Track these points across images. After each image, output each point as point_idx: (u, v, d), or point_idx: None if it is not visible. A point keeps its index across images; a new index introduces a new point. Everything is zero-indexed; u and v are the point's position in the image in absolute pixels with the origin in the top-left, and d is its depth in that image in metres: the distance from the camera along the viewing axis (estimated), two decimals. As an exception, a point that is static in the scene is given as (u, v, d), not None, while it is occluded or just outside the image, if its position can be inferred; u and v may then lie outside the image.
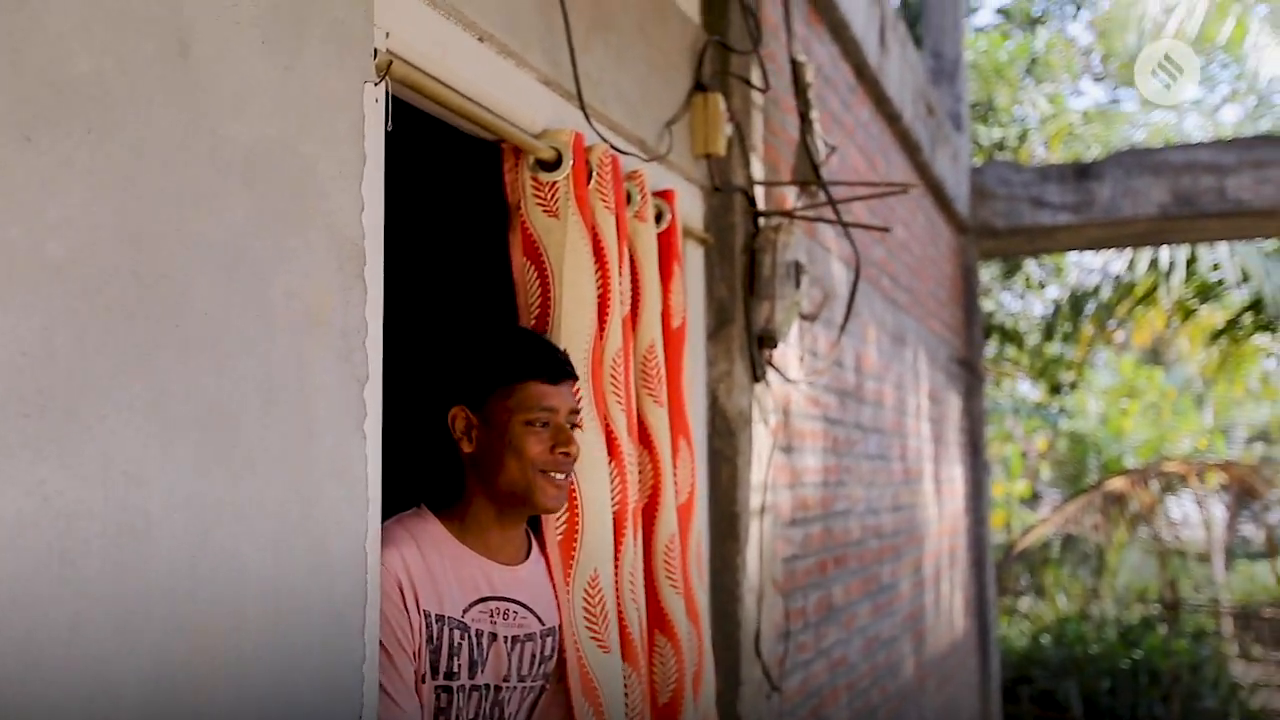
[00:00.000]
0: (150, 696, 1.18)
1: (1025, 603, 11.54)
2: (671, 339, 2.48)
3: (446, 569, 1.79)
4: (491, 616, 1.82)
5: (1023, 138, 11.61)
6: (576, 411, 1.89)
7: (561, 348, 2.00)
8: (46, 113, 1.10)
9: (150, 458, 1.19)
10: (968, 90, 7.81)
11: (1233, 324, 10.36)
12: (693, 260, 2.87)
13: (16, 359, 1.06)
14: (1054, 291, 12.16)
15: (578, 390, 1.98)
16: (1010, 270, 11.68)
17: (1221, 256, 9.18)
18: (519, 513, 1.87)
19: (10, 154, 1.07)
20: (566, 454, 1.82)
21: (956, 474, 6.67)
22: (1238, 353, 11.24)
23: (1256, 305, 9.63)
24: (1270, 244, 9.53)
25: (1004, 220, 7.06)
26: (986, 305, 11.52)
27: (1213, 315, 11.65)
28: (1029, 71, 12.20)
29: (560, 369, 1.86)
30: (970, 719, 6.67)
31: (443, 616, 1.76)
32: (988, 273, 11.51)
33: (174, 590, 1.21)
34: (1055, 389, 12.97)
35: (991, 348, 12.28)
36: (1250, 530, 13.40)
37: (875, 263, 4.72)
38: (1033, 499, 14.66)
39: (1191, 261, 9.35)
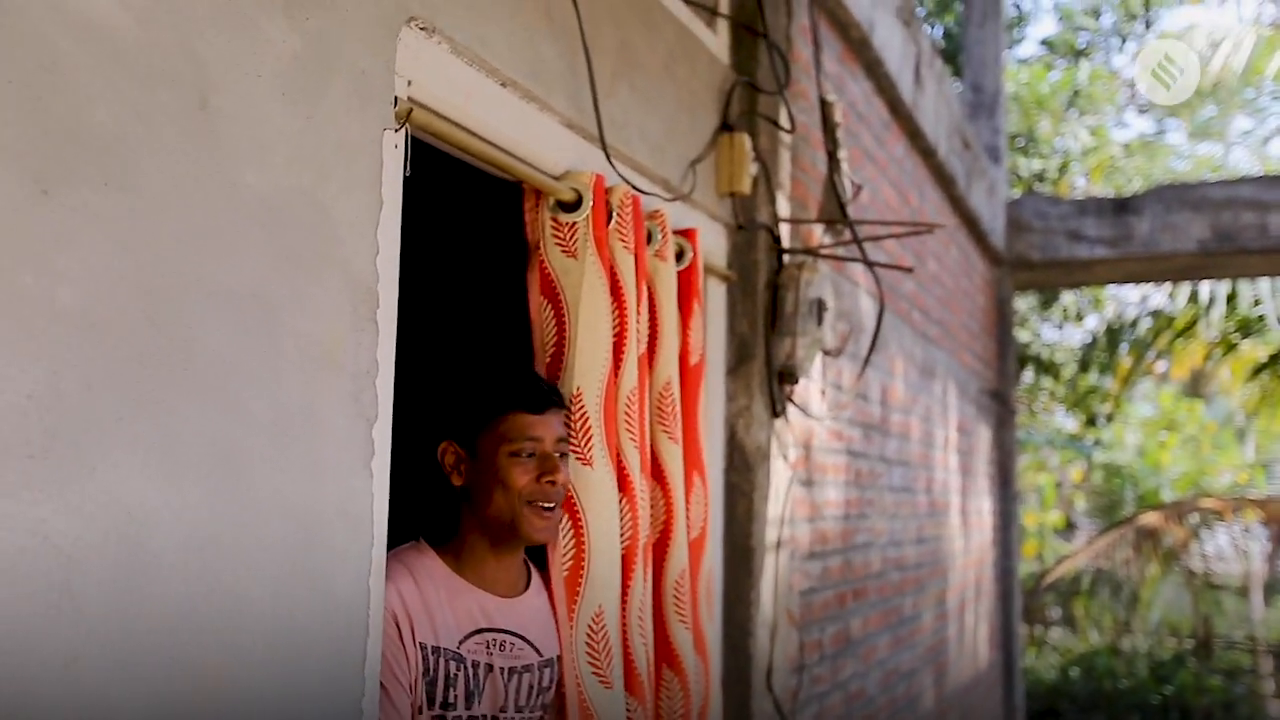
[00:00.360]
0: (148, 731, 1.22)
1: (1055, 634, 11.41)
2: (689, 375, 2.50)
3: (443, 601, 1.82)
4: (488, 648, 1.85)
5: (1063, 169, 11.53)
6: (565, 440, 1.91)
7: (575, 386, 2.03)
8: (64, 164, 1.15)
9: (156, 497, 1.23)
10: (1006, 123, 7.78)
11: (1275, 359, 10.20)
12: (715, 296, 2.89)
13: (22, 402, 1.10)
14: (1093, 322, 12.05)
15: (581, 420, 2.00)
16: (1048, 301, 11.59)
17: (1263, 292, 9.06)
18: (512, 544, 1.89)
19: (26, 205, 1.11)
20: (553, 482, 1.84)
21: (985, 506, 6.63)
22: (1280, 388, 11.05)
23: (1300, 342, 9.50)
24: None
25: (1040, 253, 7.01)
26: (1023, 336, 11.43)
27: (1254, 350, 11.48)
28: (1072, 103, 12.12)
29: (544, 399, 1.89)
30: (992, 754, 6.61)
31: (439, 648, 1.79)
32: (1025, 303, 11.43)
33: (174, 627, 1.25)
34: (1091, 420, 12.84)
35: (1028, 377, 12.18)
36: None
37: (905, 296, 4.71)
38: (1067, 529, 14.50)
39: (1232, 296, 9.23)
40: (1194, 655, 10.00)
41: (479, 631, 1.85)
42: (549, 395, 1.91)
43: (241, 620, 1.33)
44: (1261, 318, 9.41)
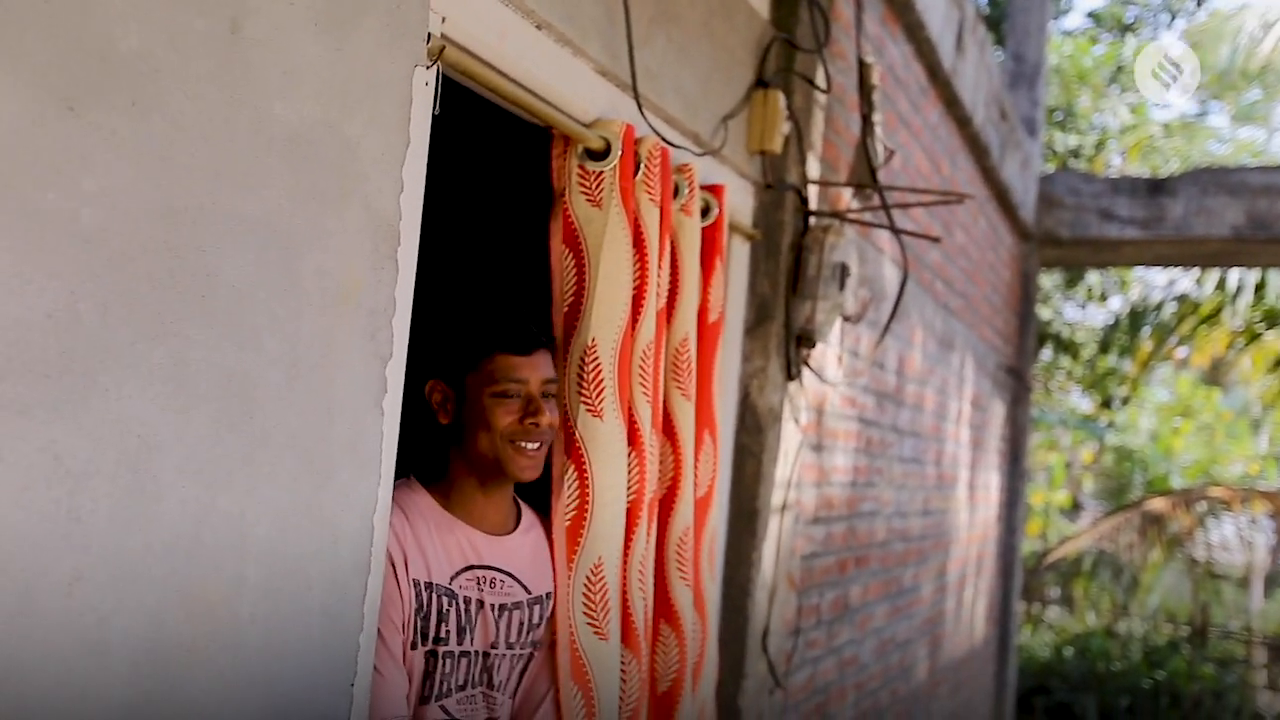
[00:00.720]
0: (145, 652, 1.22)
1: (1053, 613, 11.46)
2: (706, 333, 2.49)
3: (433, 538, 1.84)
4: (479, 584, 1.87)
5: (1100, 146, 11.36)
6: (552, 380, 1.91)
7: (591, 336, 2.02)
8: (92, 84, 1.13)
9: (166, 424, 1.23)
10: (1045, 96, 7.65)
11: (1298, 352, 10.14)
12: (738, 255, 2.87)
13: (41, 321, 1.10)
14: (1116, 303, 11.96)
15: (594, 371, 1.99)
16: (1073, 280, 11.49)
17: (1292, 284, 8.97)
18: (500, 483, 1.90)
19: (52, 123, 1.10)
20: (536, 424, 1.84)
21: (993, 481, 6.62)
22: (1301, 381, 10.99)
23: (1325, 336, 9.42)
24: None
25: (1070, 230, 6.93)
26: (1045, 313, 11.34)
27: (1277, 342, 11.39)
28: (1114, 79, 11.91)
29: (531, 340, 1.89)
30: (980, 725, 6.66)
31: (431, 584, 1.81)
32: (1050, 280, 11.32)
33: (176, 552, 1.25)
34: (1106, 402, 12.78)
35: (1046, 355, 12.11)
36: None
37: (929, 266, 4.67)
38: (1074, 509, 14.51)
39: (1261, 286, 9.13)
40: (1189, 642, 10.03)
41: (469, 568, 1.87)
42: (536, 336, 1.91)
43: (243, 550, 1.34)
44: (1289, 310, 9.32)
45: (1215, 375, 15.50)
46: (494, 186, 2.98)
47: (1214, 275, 9.40)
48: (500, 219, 2.95)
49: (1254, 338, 10.51)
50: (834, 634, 3.73)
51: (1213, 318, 9.94)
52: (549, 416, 1.87)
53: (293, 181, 1.38)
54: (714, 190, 2.51)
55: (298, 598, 1.42)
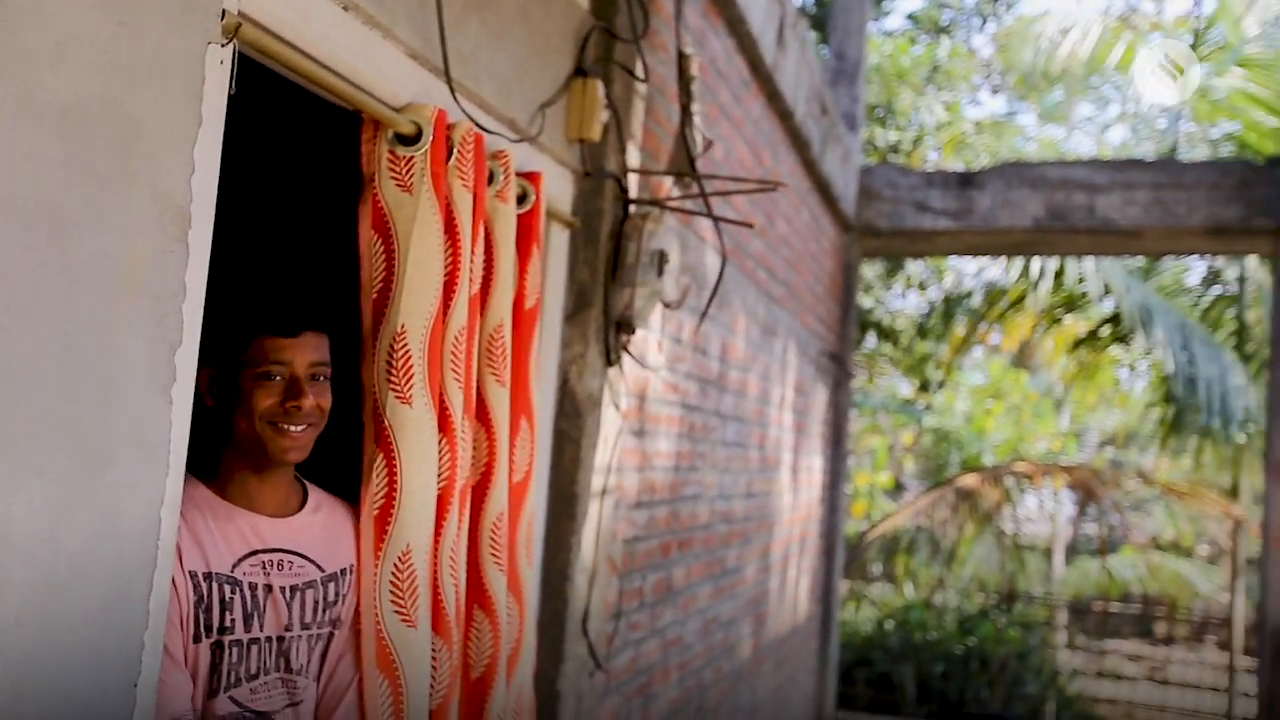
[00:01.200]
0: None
1: (876, 590, 11.96)
2: (522, 319, 2.49)
3: (211, 528, 1.79)
4: (264, 568, 1.83)
5: (917, 142, 11.87)
6: (322, 364, 1.88)
7: (400, 323, 1.99)
8: None
9: (-77, 417, 1.16)
10: (865, 92, 7.93)
11: (1093, 334, 10.87)
12: (557, 243, 2.88)
13: None
14: (935, 292, 12.53)
15: (404, 357, 1.97)
16: (893, 269, 11.99)
17: (1087, 270, 9.57)
18: (272, 466, 1.86)
19: None
20: (298, 406, 1.81)
21: (816, 464, 6.84)
22: (1095, 361, 11.79)
23: (1115, 319, 10.11)
24: (1132, 261, 9.99)
25: (887, 222, 7.22)
26: (867, 302, 11.79)
27: (1075, 325, 12.17)
28: (930, 78, 12.46)
29: (295, 321, 1.85)
30: (804, 698, 6.90)
31: (210, 574, 1.76)
32: (871, 270, 11.78)
33: (-63, 554, 1.18)
34: (924, 386, 13.39)
35: (870, 343, 12.59)
36: (1092, 528, 14.19)
37: (753, 255, 4.78)
38: (896, 490, 15.15)
39: (1060, 273, 9.72)
40: (998, 609, 10.64)
41: (253, 553, 1.83)
42: (302, 318, 1.87)
43: (7, 547, 1.27)
44: (1084, 294, 9.96)
45: (1023, 358, 16.42)
46: (304, 171, 2.90)
47: (1019, 263, 9.95)
48: (308, 203, 2.87)
49: (1054, 322, 11.21)
50: (657, 615, 3.80)
51: (1018, 303, 10.54)
52: (313, 399, 1.83)
53: (66, 159, 1.32)
54: (531, 177, 2.51)
55: (73, 596, 1.36)
